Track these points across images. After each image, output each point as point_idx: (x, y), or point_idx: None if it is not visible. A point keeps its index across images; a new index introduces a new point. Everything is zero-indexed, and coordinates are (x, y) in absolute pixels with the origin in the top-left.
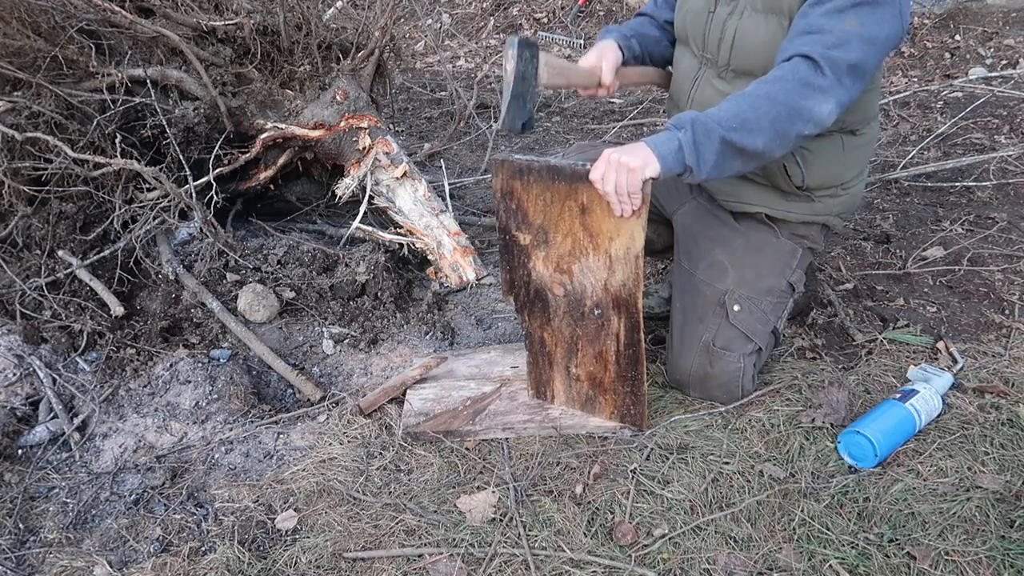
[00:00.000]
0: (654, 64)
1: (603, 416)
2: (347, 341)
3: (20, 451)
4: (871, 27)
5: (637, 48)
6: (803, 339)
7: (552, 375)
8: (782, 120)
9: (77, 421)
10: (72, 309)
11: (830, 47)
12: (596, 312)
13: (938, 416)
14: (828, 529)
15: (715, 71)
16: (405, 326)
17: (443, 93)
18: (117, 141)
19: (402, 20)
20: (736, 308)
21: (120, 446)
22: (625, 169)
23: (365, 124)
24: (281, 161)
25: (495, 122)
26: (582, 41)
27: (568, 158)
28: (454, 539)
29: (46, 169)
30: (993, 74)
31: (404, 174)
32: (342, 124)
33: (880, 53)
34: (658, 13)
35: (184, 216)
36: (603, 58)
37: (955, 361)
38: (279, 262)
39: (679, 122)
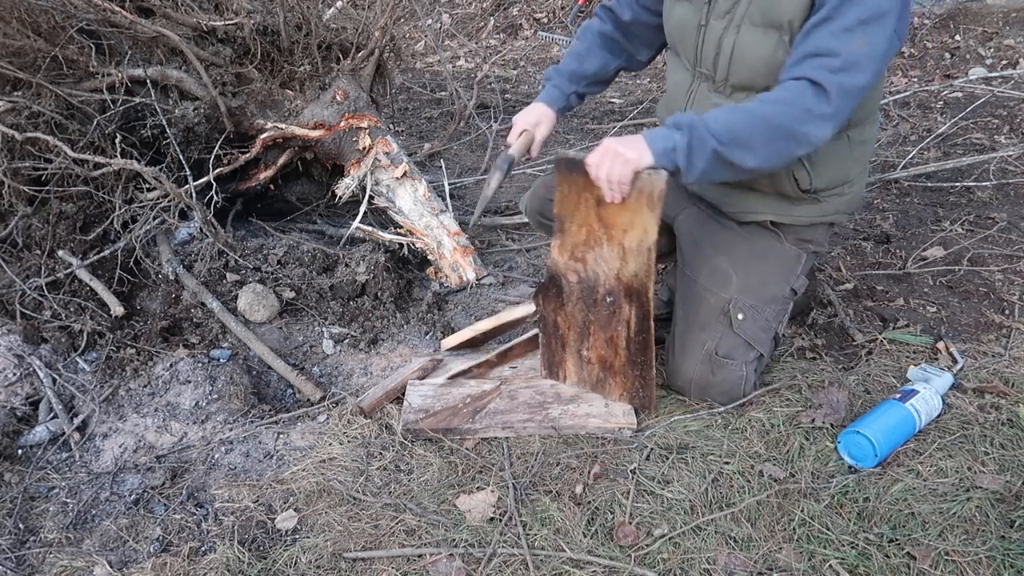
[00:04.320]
0: (603, 85)
1: (613, 397)
2: (347, 341)
3: (20, 451)
4: (878, 44)
5: (575, 102)
6: (803, 339)
7: (564, 356)
8: (776, 142)
9: (77, 421)
10: (72, 309)
11: (837, 71)
12: (608, 299)
13: (938, 416)
14: (828, 529)
15: (711, 85)
16: (405, 326)
17: (443, 93)
18: (117, 141)
19: (402, 20)
20: (740, 316)
21: (120, 446)
22: (621, 159)
23: (365, 124)
24: (281, 161)
25: (495, 122)
26: None
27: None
28: (454, 539)
29: (46, 169)
30: (993, 74)
31: (404, 174)
32: (342, 124)
33: (884, 67)
34: (620, 12)
35: (184, 216)
36: (537, 127)
37: (955, 361)
38: (279, 262)
39: (678, 123)
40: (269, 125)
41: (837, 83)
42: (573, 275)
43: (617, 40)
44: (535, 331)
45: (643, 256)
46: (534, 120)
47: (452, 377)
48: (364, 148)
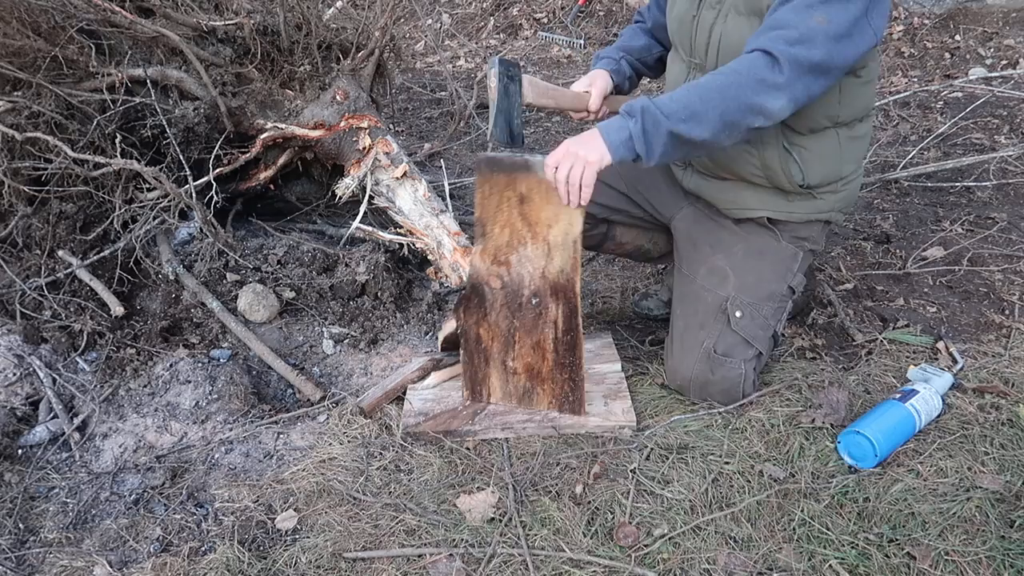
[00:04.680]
0: (650, 70)
1: (542, 407)
2: (347, 341)
3: (20, 451)
4: (838, 23)
5: (627, 69)
6: (803, 339)
7: (488, 372)
8: (731, 113)
9: (77, 421)
10: (72, 309)
11: (792, 43)
12: (534, 301)
13: (938, 416)
14: (828, 529)
15: (703, 75)
16: (405, 326)
17: (443, 93)
18: (117, 141)
19: (402, 20)
20: (738, 314)
21: (120, 446)
22: (583, 163)
23: (365, 124)
24: (281, 161)
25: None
26: (582, 41)
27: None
28: (454, 539)
29: (46, 169)
30: (993, 74)
31: (404, 174)
32: (342, 124)
33: (850, 52)
34: (648, 17)
35: (184, 216)
36: (592, 85)
37: (955, 361)
38: (279, 262)
39: (631, 110)
40: (269, 125)
41: (790, 54)
42: (496, 281)
43: (657, 34)
44: None
45: (568, 250)
46: (587, 82)
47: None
48: (364, 148)
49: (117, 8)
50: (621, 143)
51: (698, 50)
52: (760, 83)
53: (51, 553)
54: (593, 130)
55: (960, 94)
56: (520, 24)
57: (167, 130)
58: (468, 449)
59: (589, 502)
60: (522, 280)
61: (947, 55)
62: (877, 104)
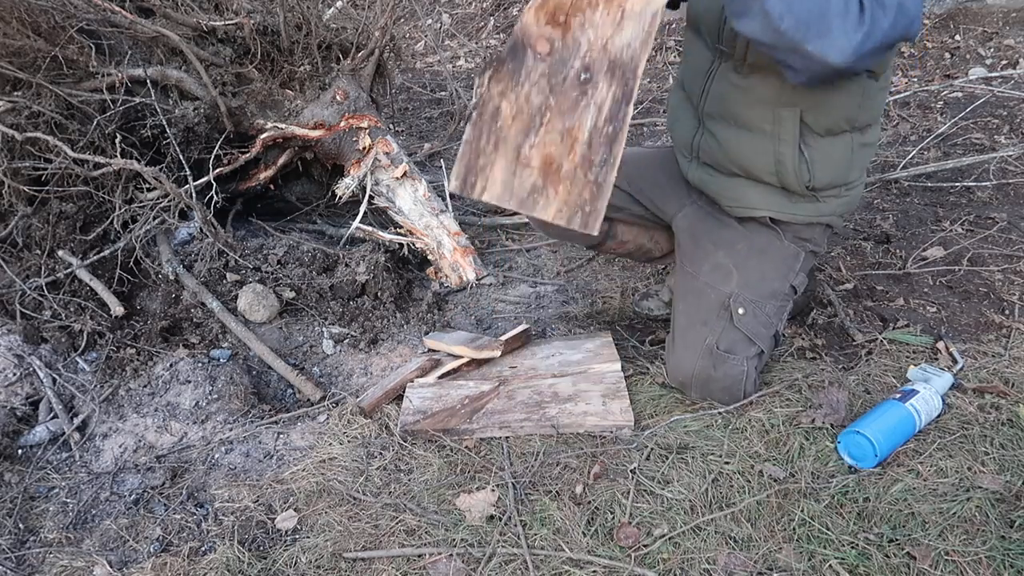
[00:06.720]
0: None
1: (548, 213)
2: (347, 341)
3: (20, 451)
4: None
5: None
6: (803, 339)
7: (494, 158)
8: (811, 12)
9: (77, 421)
10: (72, 309)
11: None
12: (583, 76)
13: (938, 416)
14: (828, 529)
15: (731, 64)
16: (405, 326)
17: (443, 93)
18: (117, 141)
19: (402, 20)
20: (741, 311)
21: (120, 446)
22: None
23: (365, 124)
24: (281, 161)
25: None
26: None
27: None
28: (454, 539)
29: (46, 169)
30: (993, 74)
31: (404, 174)
32: (342, 124)
33: (908, 23)
34: None
35: (184, 216)
36: None
37: (955, 361)
38: (279, 262)
39: None
40: (269, 125)
41: (871, 7)
42: (544, 44)
43: None
44: (526, 325)
45: (644, 22)
46: None
47: (442, 376)
48: (364, 148)
49: (117, 8)
50: None
51: (727, 38)
52: (845, 10)
53: (51, 553)
54: None
55: (960, 94)
56: None
57: (167, 130)
58: (468, 448)
59: (589, 502)
60: (577, 48)
61: (947, 55)
62: None
